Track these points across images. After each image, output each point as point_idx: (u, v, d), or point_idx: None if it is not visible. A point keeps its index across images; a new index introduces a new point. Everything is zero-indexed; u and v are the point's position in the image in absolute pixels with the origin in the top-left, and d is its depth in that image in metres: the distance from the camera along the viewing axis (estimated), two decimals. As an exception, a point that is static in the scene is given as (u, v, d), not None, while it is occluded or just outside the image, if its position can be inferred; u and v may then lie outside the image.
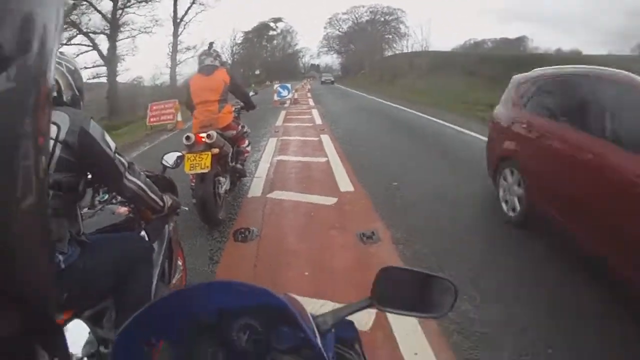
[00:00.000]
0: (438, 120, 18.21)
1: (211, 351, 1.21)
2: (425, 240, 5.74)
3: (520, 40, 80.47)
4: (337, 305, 4.10)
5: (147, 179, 2.96)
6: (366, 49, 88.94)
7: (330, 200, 7.45)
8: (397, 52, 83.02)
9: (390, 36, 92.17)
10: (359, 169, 9.56)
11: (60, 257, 2.39)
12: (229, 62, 59.50)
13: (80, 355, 2.43)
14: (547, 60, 32.75)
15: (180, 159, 4.19)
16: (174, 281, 3.84)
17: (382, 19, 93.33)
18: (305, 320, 1.14)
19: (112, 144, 2.68)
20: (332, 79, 74.73)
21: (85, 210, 3.24)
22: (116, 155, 2.68)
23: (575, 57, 43.38)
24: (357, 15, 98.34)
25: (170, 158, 4.12)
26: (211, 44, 7.67)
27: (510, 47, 76.34)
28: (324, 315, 1.32)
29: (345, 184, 8.41)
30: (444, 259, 5.23)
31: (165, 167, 4.07)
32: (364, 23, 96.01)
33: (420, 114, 21.03)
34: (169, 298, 1.20)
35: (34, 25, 0.66)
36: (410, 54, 64.72)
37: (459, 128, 15.82)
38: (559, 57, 44.46)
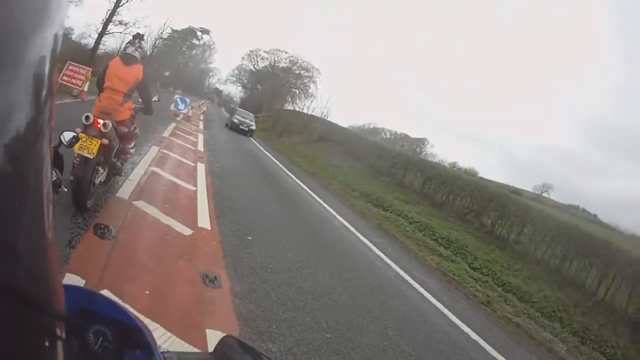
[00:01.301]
0: (312, 194, 18.78)
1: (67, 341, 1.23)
2: (262, 303, 6.07)
3: (420, 140, 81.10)
4: (168, 334, 4.59)
5: None
6: (271, 94, 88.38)
7: (187, 231, 7.63)
8: (297, 108, 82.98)
9: (298, 91, 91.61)
10: (222, 209, 9.87)
11: None
12: (149, 52, 58.38)
13: None
14: (440, 168, 34.44)
15: (75, 139, 4.37)
16: None
17: (297, 72, 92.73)
18: (157, 352, 1.21)
19: None
20: (251, 127, 43.78)
21: None
22: None
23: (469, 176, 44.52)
24: (276, 59, 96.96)
25: (67, 136, 4.26)
26: (139, 34, 7.71)
27: (407, 144, 77.56)
28: (170, 353, 1.35)
29: (204, 219, 8.65)
30: (276, 326, 5.58)
31: (60, 143, 4.19)
32: (279, 68, 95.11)
33: (298, 181, 21.56)
34: None
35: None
36: (308, 116, 64.38)
37: (331, 211, 16.38)
38: (453, 170, 46.24)
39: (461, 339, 8.32)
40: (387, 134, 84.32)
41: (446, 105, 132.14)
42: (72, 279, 4.63)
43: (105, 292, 4.57)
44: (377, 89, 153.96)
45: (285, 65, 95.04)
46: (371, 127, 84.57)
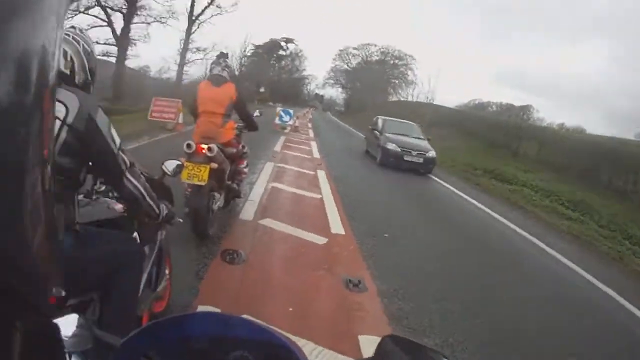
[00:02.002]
0: (437, 180, 18.38)
1: None
2: (411, 298, 5.71)
3: (525, 108, 79.63)
4: (319, 348, 4.21)
5: (146, 184, 2.92)
6: (371, 89, 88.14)
7: (321, 240, 7.38)
8: (401, 98, 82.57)
9: (397, 81, 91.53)
10: (352, 212, 9.54)
11: None
12: (237, 71, 59.06)
13: (73, 349, 2.45)
14: (550, 132, 33.26)
15: (179, 167, 4.14)
16: (159, 289, 3.83)
17: (392, 62, 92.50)
18: None
19: (117, 140, 2.67)
20: (429, 155, 21.30)
21: (81, 197, 3.20)
22: (119, 152, 2.67)
23: (579, 135, 43.06)
24: (367, 53, 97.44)
25: (170, 165, 4.05)
26: (223, 54, 7.59)
27: (513, 114, 76.29)
28: None
29: (336, 225, 8.36)
30: (428, 319, 5.25)
31: (164, 174, 4.02)
32: (373, 62, 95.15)
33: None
34: (170, 320, 1.21)
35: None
36: (414, 103, 64.21)
37: (457, 192, 16.01)
38: (562, 132, 44.65)
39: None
40: (493, 106, 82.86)
41: (544, 68, 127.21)
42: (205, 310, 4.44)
43: (246, 317, 4.26)
44: (474, 65, 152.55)
45: (377, 57, 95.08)
46: (476, 102, 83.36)
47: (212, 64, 7.60)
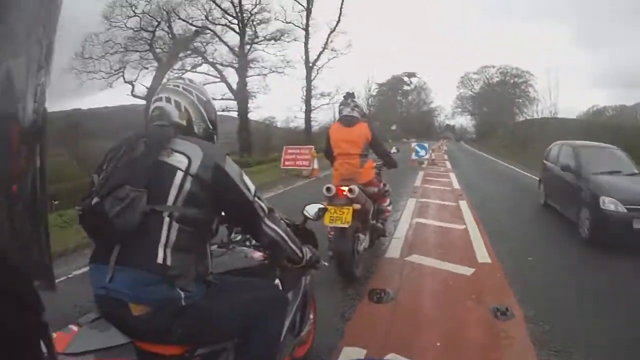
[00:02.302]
0: None
1: None
2: (557, 321, 5.48)
3: (638, 106, 76.31)
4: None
5: (288, 229, 2.88)
6: (497, 112, 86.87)
7: (468, 270, 7.28)
8: (527, 117, 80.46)
9: (520, 100, 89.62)
10: (496, 239, 9.35)
11: (182, 294, 2.38)
12: (366, 111, 60.03)
13: None
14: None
15: (322, 211, 4.10)
16: (302, 334, 3.81)
17: (512, 81, 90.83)
18: None
19: (252, 186, 2.66)
20: None
21: (215, 247, 3.26)
22: (256, 198, 2.66)
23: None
24: (487, 76, 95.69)
25: (312, 209, 4.04)
26: (350, 94, 7.58)
27: (627, 114, 72.89)
28: None
29: (482, 254, 8.21)
30: (572, 341, 5.02)
31: (306, 218, 4.00)
32: (494, 84, 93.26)
33: None
34: None
35: None
36: (539, 120, 62.63)
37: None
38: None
39: None
40: (609, 110, 78.90)
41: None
42: (352, 352, 4.54)
43: (392, 356, 4.45)
44: (577, 71, 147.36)
45: (498, 79, 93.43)
46: (594, 109, 79.64)
47: (340, 105, 7.61)
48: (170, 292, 2.35)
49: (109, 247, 2.37)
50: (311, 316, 4.08)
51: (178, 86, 2.79)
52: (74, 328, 2.33)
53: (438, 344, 4.83)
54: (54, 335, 2.02)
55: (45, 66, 0.84)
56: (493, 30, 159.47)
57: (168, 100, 2.73)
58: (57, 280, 5.72)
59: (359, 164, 7.02)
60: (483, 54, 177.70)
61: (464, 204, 13.86)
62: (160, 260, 2.33)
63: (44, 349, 0.91)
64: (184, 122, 2.70)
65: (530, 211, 13.69)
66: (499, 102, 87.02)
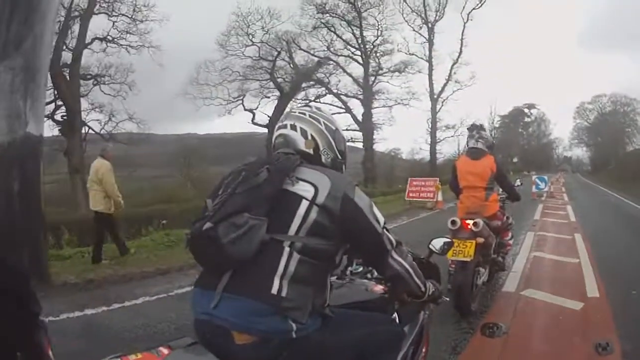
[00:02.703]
0: None
1: None
2: None
3: None
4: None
5: (414, 262, 2.74)
6: (611, 142, 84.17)
7: (578, 305, 7.13)
8: (636, 147, 77.34)
9: (629, 129, 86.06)
10: (605, 272, 9.14)
11: (294, 326, 2.25)
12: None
13: None
14: None
15: (448, 245, 3.97)
16: None
17: (622, 110, 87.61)
18: None
19: (381, 218, 2.55)
20: None
21: (334, 279, 3.14)
22: (385, 231, 2.54)
23: None
24: (600, 106, 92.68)
25: (437, 243, 3.92)
26: (475, 125, 7.40)
27: None
28: None
29: (592, 288, 8.08)
30: None
31: (431, 252, 3.89)
32: (607, 114, 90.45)
33: None
34: None
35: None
36: None
37: None
38: None
39: None
40: None
41: None
42: None
43: None
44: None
45: (610, 108, 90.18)
46: None
47: (467, 137, 7.58)
48: (281, 324, 2.25)
49: (218, 274, 2.34)
50: (423, 350, 3.82)
51: (304, 113, 2.75)
52: (164, 350, 2.24)
53: None
54: (139, 355, 2.11)
55: (28, 90, 0.87)
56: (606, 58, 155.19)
57: (293, 127, 2.68)
58: (157, 297, 7.01)
59: (484, 197, 7.02)
60: (597, 81, 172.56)
61: (578, 237, 13.62)
62: (274, 291, 2.24)
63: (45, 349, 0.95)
64: (310, 151, 2.64)
65: (632, 237, 13.64)
66: (611, 132, 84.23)
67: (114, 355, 2.08)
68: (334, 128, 2.74)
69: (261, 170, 2.36)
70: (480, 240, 6.42)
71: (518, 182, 8.61)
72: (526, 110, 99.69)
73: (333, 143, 2.71)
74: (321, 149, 2.66)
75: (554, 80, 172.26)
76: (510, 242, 8.36)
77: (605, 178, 58.52)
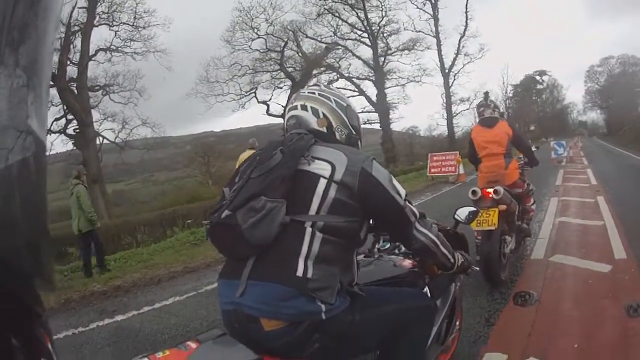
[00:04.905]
0: None
1: None
2: None
3: None
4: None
5: (440, 233, 2.73)
6: (622, 103, 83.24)
7: (606, 268, 7.08)
8: None
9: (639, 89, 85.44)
10: (631, 233, 9.05)
11: (323, 307, 2.25)
12: (505, 115, 58.89)
13: None
14: None
15: (473, 214, 3.95)
16: (448, 341, 3.62)
17: (630, 71, 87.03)
18: None
19: (402, 191, 2.52)
20: None
21: (361, 257, 3.21)
22: (407, 203, 2.52)
23: None
24: (609, 68, 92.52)
25: (462, 213, 3.92)
26: (486, 94, 7.60)
27: None
28: None
29: (618, 250, 7.99)
30: None
31: (457, 222, 3.90)
32: (616, 75, 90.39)
33: None
34: None
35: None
36: None
37: None
38: None
39: None
40: None
41: None
42: (493, 358, 4.58)
43: None
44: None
45: (619, 69, 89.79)
46: None
47: (479, 107, 7.61)
48: (310, 306, 2.24)
49: (241, 262, 2.34)
50: (457, 323, 3.89)
51: (314, 92, 2.75)
52: (192, 345, 2.22)
53: (575, 345, 4.77)
54: (167, 352, 2.12)
55: (33, 92, 0.86)
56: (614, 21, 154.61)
57: (304, 107, 2.69)
58: (186, 296, 7.02)
59: (504, 164, 7.03)
60: (606, 43, 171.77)
61: (601, 200, 13.58)
62: (300, 273, 2.23)
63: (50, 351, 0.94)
64: (324, 129, 2.65)
65: None
66: (622, 93, 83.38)
67: (141, 355, 2.09)
68: (345, 104, 2.74)
69: (275, 152, 2.36)
70: (503, 207, 6.41)
71: (534, 147, 8.42)
72: (538, 78, 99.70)
73: (346, 119, 2.71)
74: (335, 126, 2.67)
75: (562, 46, 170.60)
76: (533, 207, 8.33)
77: (622, 140, 58.02)
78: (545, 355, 4.55)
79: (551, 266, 7.49)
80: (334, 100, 2.71)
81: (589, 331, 5.08)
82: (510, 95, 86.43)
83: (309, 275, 2.23)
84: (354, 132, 2.76)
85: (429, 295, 3.13)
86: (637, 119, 66.01)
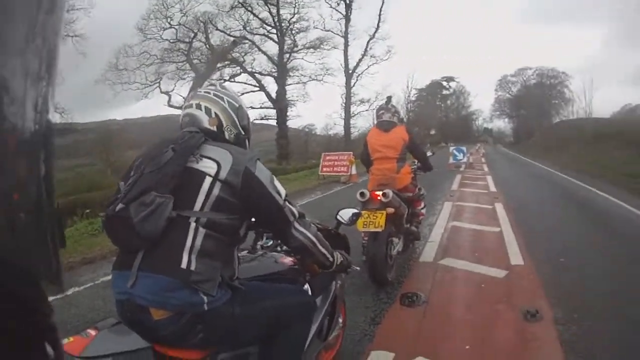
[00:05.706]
0: (609, 197, 16.74)
1: None
2: (585, 323, 5.39)
3: None
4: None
5: (318, 233, 2.88)
6: (535, 114, 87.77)
7: (501, 273, 7.24)
8: (563, 118, 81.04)
9: (557, 101, 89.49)
10: (529, 240, 9.29)
11: (205, 299, 2.37)
12: (405, 118, 60.05)
13: None
14: None
15: (356, 216, 4.12)
16: (330, 338, 3.73)
17: (548, 83, 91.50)
18: None
19: (282, 191, 2.67)
20: None
21: (245, 253, 3.35)
22: (286, 203, 2.67)
23: None
24: (524, 78, 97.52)
25: (345, 214, 4.07)
26: (389, 98, 7.52)
27: None
28: None
29: (515, 256, 8.16)
30: (601, 343, 4.91)
31: (339, 223, 4.03)
32: (531, 86, 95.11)
33: (589, 187, 19.89)
34: None
35: None
36: (575, 121, 62.73)
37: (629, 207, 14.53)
38: None
39: None
40: None
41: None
42: (379, 356, 4.60)
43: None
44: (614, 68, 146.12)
45: (535, 80, 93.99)
46: (627, 107, 79.23)
47: (380, 110, 7.58)
48: (193, 297, 2.36)
49: (132, 254, 2.42)
50: (340, 320, 4.02)
51: (209, 92, 2.85)
52: (92, 332, 2.40)
53: (467, 347, 4.84)
54: (71, 339, 2.26)
55: (47, 77, 0.88)
56: (531, 32, 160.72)
57: (198, 106, 2.78)
58: (84, 287, 6.77)
59: (395, 168, 7.07)
60: (521, 56, 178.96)
61: (499, 207, 13.84)
62: (184, 265, 2.34)
63: (50, 351, 0.94)
64: (213, 128, 2.75)
65: (564, 213, 13.54)
66: (535, 104, 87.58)
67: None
68: (237, 105, 2.86)
69: (166, 150, 2.48)
70: (391, 210, 6.46)
71: (429, 153, 8.54)
72: (444, 83, 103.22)
73: (236, 119, 2.83)
74: (225, 125, 2.79)
75: (478, 56, 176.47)
76: (423, 211, 8.50)
77: (529, 149, 60.17)
78: (435, 356, 4.60)
79: (441, 269, 7.58)
80: (227, 100, 2.83)
81: (482, 334, 5.16)
82: (413, 99, 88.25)
83: (192, 268, 2.36)
84: (243, 132, 2.88)
85: (309, 292, 3.25)
86: (548, 129, 68.57)
